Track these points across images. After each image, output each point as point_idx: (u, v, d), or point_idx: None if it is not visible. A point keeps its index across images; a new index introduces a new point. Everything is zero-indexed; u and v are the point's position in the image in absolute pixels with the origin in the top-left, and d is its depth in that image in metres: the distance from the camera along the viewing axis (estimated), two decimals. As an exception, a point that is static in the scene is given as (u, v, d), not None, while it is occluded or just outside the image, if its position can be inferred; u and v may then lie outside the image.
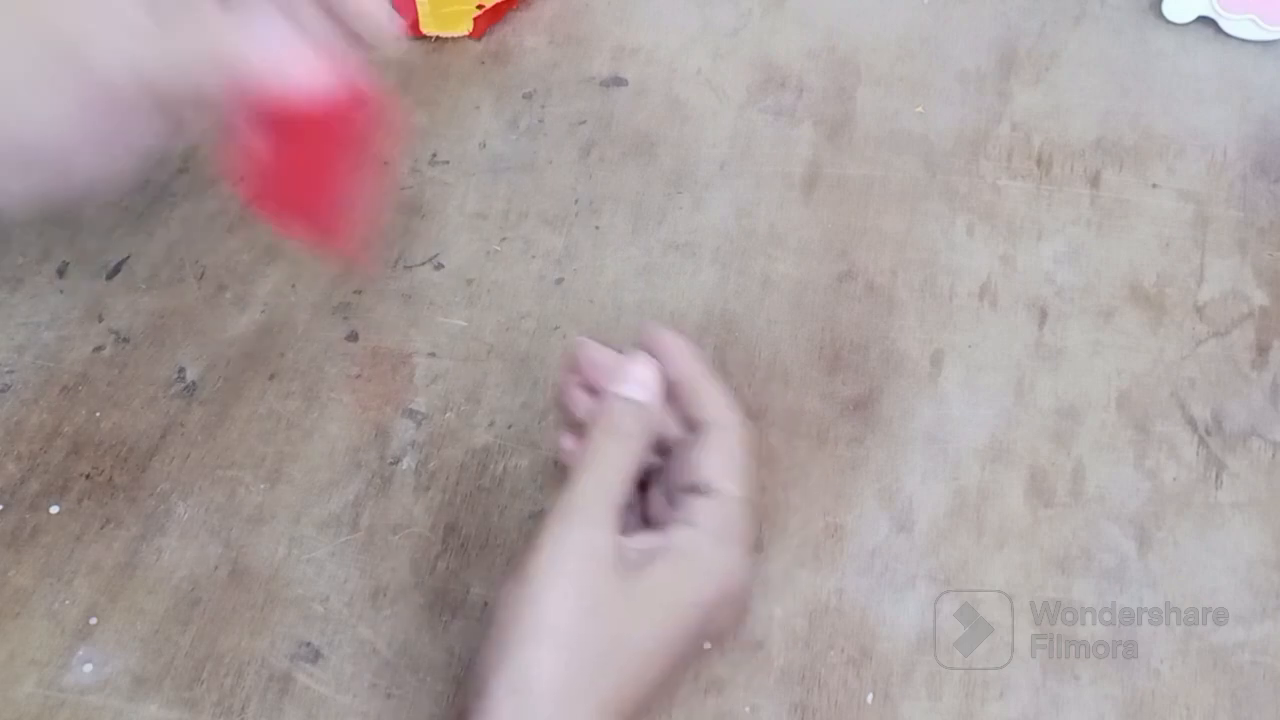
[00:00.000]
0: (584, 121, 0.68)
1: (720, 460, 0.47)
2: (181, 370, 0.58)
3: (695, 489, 0.46)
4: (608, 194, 0.65)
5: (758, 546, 0.53)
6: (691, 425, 0.48)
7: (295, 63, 0.44)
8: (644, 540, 0.45)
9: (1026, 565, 0.53)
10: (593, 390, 0.48)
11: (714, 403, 0.48)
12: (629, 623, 0.43)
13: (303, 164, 0.46)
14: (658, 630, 0.43)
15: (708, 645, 0.51)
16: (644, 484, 0.49)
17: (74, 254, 0.62)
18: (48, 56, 0.41)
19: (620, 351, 0.48)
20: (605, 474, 0.45)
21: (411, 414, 0.57)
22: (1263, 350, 0.59)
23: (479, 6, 0.70)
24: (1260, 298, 0.61)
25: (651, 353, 0.48)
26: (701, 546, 0.45)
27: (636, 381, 0.47)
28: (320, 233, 0.50)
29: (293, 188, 0.47)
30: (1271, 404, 0.57)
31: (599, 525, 0.43)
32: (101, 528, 0.54)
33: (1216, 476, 0.55)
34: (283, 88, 0.44)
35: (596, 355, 0.48)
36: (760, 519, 0.48)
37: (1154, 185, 0.65)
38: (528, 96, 0.69)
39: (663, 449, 0.49)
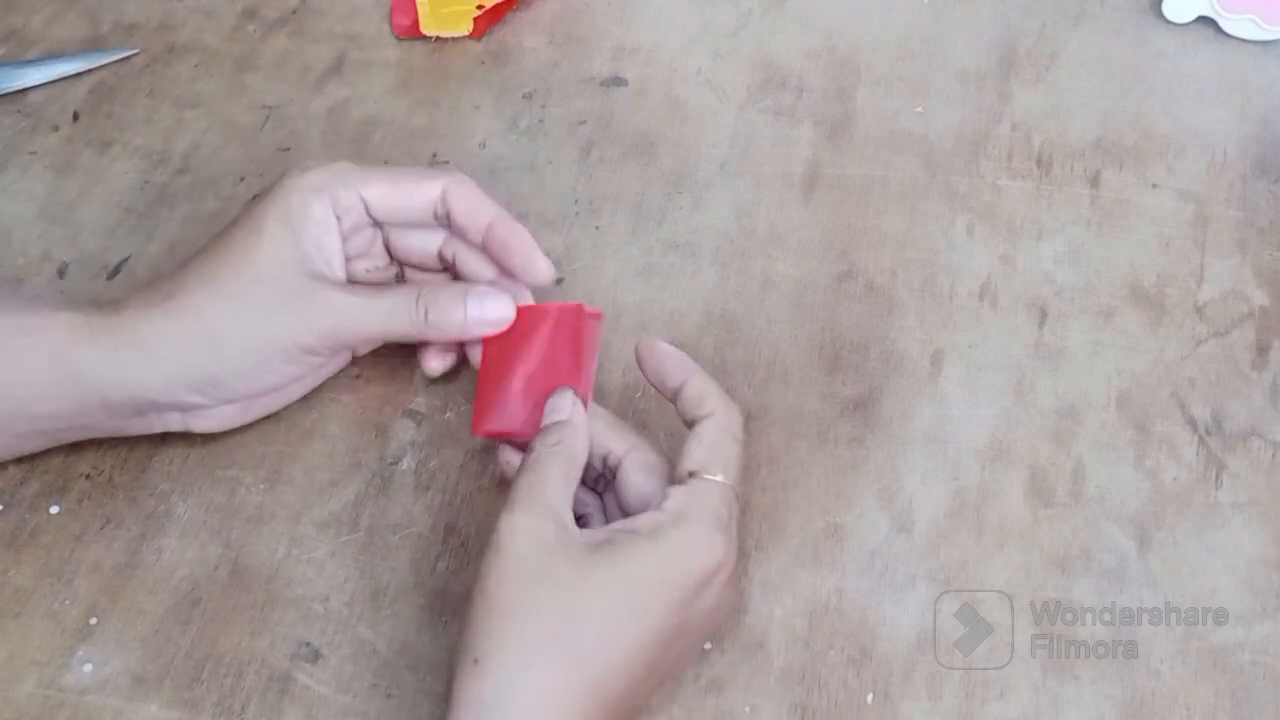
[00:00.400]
0: (584, 121, 0.68)
1: (704, 449, 0.49)
2: (181, 370, 0.58)
3: (681, 479, 0.48)
4: (608, 194, 0.65)
5: (757, 546, 0.53)
6: (689, 421, 0.50)
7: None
8: (607, 529, 0.47)
9: (1026, 565, 0.53)
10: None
11: (709, 397, 0.50)
12: (588, 597, 0.44)
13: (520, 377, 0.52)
14: (622, 602, 0.45)
15: (708, 645, 0.51)
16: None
17: (74, 254, 0.62)
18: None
19: None
20: (537, 474, 0.48)
21: (411, 414, 0.57)
22: (1263, 350, 0.59)
23: (479, 6, 0.70)
24: (1260, 298, 0.61)
25: (645, 362, 0.52)
26: (664, 526, 0.46)
27: (551, 409, 0.50)
28: (483, 408, 0.53)
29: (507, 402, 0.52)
30: (1271, 404, 0.57)
31: (533, 513, 0.46)
32: (101, 528, 0.54)
33: (1216, 476, 0.55)
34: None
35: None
36: (737, 504, 0.49)
37: (1154, 185, 0.65)
38: (528, 96, 0.69)
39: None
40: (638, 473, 0.50)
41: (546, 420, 0.50)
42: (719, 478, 0.48)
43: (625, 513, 0.50)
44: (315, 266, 0.51)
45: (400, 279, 0.57)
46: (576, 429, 0.50)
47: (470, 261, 0.55)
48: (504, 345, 0.53)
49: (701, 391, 0.50)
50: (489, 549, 0.45)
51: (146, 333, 0.50)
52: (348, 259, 0.54)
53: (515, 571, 0.45)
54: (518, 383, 0.52)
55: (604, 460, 0.51)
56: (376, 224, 0.55)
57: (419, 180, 0.54)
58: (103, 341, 0.50)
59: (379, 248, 0.56)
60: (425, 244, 0.55)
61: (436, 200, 0.54)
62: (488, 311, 0.52)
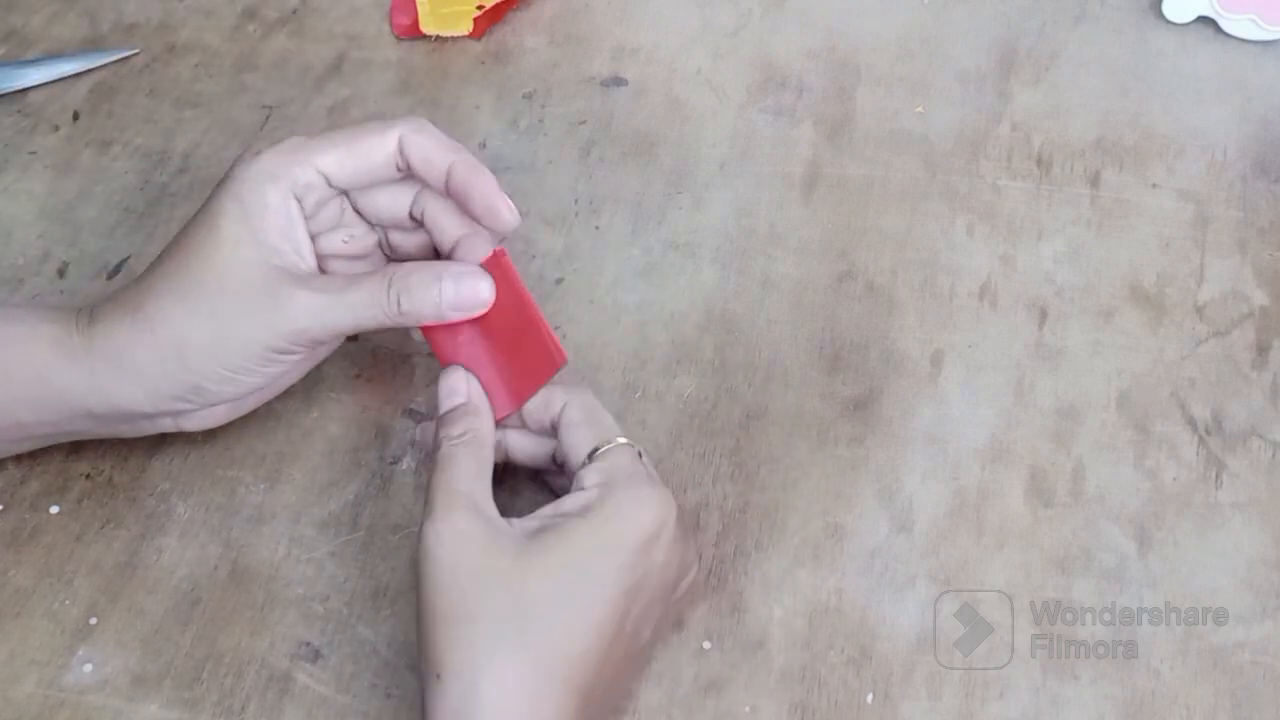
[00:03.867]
0: (584, 121, 0.68)
1: (584, 428, 0.49)
2: (181, 370, 0.58)
3: (584, 464, 0.48)
4: (608, 194, 0.65)
5: (757, 546, 0.53)
6: (548, 431, 0.51)
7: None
8: (536, 516, 0.47)
9: (1026, 565, 0.53)
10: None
11: (551, 392, 0.50)
12: (530, 587, 0.44)
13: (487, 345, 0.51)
14: (569, 588, 0.44)
15: (708, 645, 0.51)
16: None
17: (74, 254, 0.62)
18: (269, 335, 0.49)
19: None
20: (449, 474, 0.47)
21: (411, 414, 0.57)
22: (1263, 350, 0.59)
23: (479, 6, 0.70)
24: (1260, 298, 0.61)
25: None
26: (591, 501, 0.46)
27: (447, 393, 0.50)
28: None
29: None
30: (1271, 404, 0.57)
31: (450, 513, 0.45)
32: (101, 528, 0.54)
33: (1216, 476, 0.55)
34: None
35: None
36: (648, 458, 0.49)
37: (1154, 185, 0.65)
38: (528, 96, 0.69)
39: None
40: (576, 424, 0.49)
41: (443, 405, 0.49)
42: (618, 441, 0.48)
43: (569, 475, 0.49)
44: (281, 259, 0.49)
45: (385, 243, 0.54)
46: (478, 411, 0.49)
47: (440, 216, 0.52)
48: (453, 330, 0.51)
49: (541, 398, 0.50)
50: (420, 561, 0.45)
51: (119, 349, 0.49)
52: (320, 235, 0.52)
53: (451, 578, 0.44)
54: (494, 355, 0.50)
55: (552, 424, 0.50)
56: (342, 193, 0.52)
57: (373, 135, 0.51)
58: (81, 361, 0.49)
59: (351, 215, 0.53)
60: (395, 204, 0.52)
61: (394, 153, 0.51)
62: (464, 294, 0.50)
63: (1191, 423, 0.57)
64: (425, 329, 0.51)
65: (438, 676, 0.43)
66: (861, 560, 0.53)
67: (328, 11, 0.73)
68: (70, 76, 0.69)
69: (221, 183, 0.50)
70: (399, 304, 0.49)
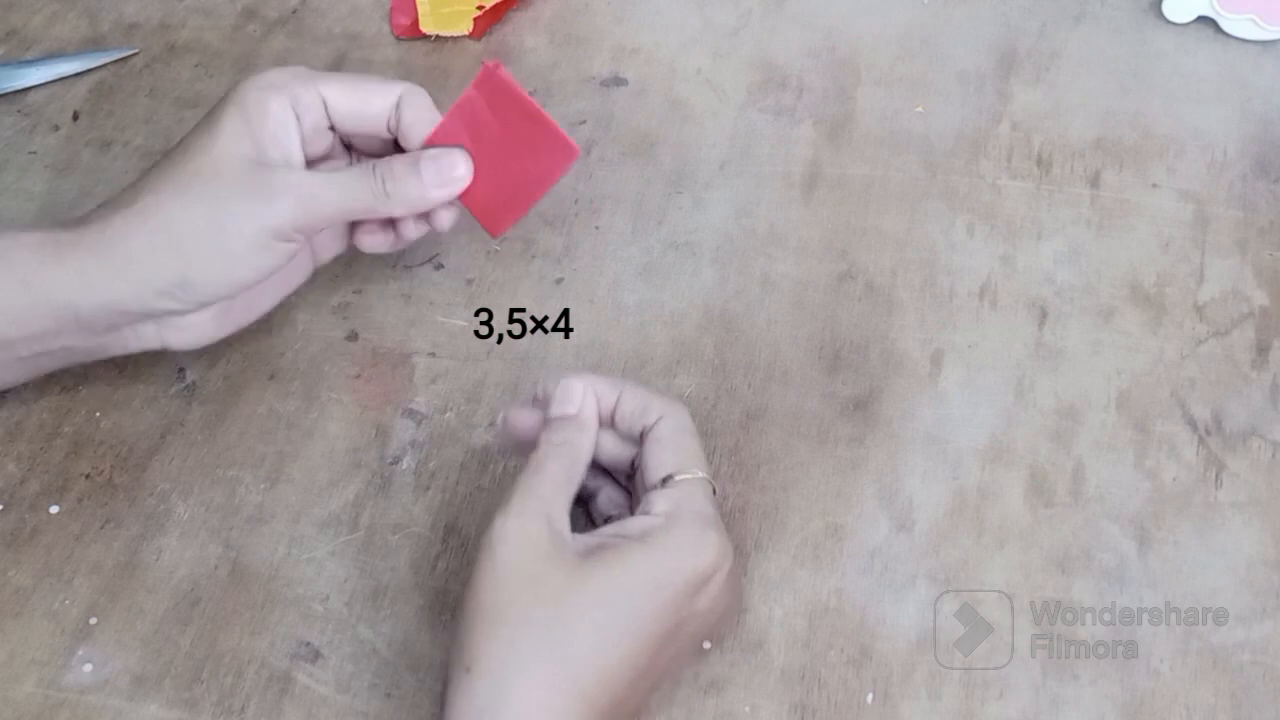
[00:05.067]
0: (584, 121, 0.68)
1: (670, 451, 0.48)
2: (181, 370, 0.58)
3: (657, 485, 0.48)
4: (608, 194, 0.65)
5: (757, 546, 0.53)
6: (636, 437, 0.50)
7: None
8: (602, 530, 0.47)
9: (1026, 565, 0.53)
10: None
11: (651, 402, 0.49)
12: (581, 604, 0.44)
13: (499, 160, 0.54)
14: (616, 608, 0.44)
15: (708, 645, 0.51)
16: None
17: (74, 254, 0.62)
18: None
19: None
20: (536, 478, 0.47)
21: (411, 414, 0.57)
22: (1263, 350, 0.59)
23: (479, 7, 0.70)
24: (1260, 298, 0.61)
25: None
26: (655, 530, 0.46)
27: (562, 397, 0.49)
28: (487, 213, 0.55)
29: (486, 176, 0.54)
30: (1271, 404, 0.57)
31: (530, 516, 0.45)
32: (101, 528, 0.54)
33: (1216, 476, 0.55)
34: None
35: (525, 415, 0.51)
36: (715, 499, 0.49)
37: (1154, 185, 0.65)
38: (528, 96, 0.69)
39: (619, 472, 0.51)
40: (662, 442, 0.49)
41: (555, 410, 0.49)
42: (696, 474, 0.48)
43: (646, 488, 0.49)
44: (272, 158, 0.51)
45: None
46: (584, 425, 0.49)
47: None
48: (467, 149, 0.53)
49: (640, 401, 0.49)
50: (481, 552, 0.45)
51: (111, 240, 0.50)
52: (310, 160, 0.53)
53: (506, 577, 0.44)
54: (503, 168, 0.53)
55: (641, 432, 0.49)
56: (334, 130, 0.54)
57: (377, 84, 0.54)
58: (68, 256, 0.49)
59: (340, 150, 0.56)
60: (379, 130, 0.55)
61: (392, 107, 0.53)
62: (443, 171, 0.53)
63: (1191, 423, 0.57)
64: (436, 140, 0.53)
65: (468, 670, 0.43)
66: (861, 560, 0.53)
67: (328, 11, 0.73)
68: (70, 76, 0.69)
69: (227, 93, 0.52)
70: (384, 185, 0.52)
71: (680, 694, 0.50)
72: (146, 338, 0.53)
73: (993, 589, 0.52)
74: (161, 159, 0.52)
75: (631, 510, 0.50)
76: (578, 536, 0.46)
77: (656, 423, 0.49)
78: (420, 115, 0.53)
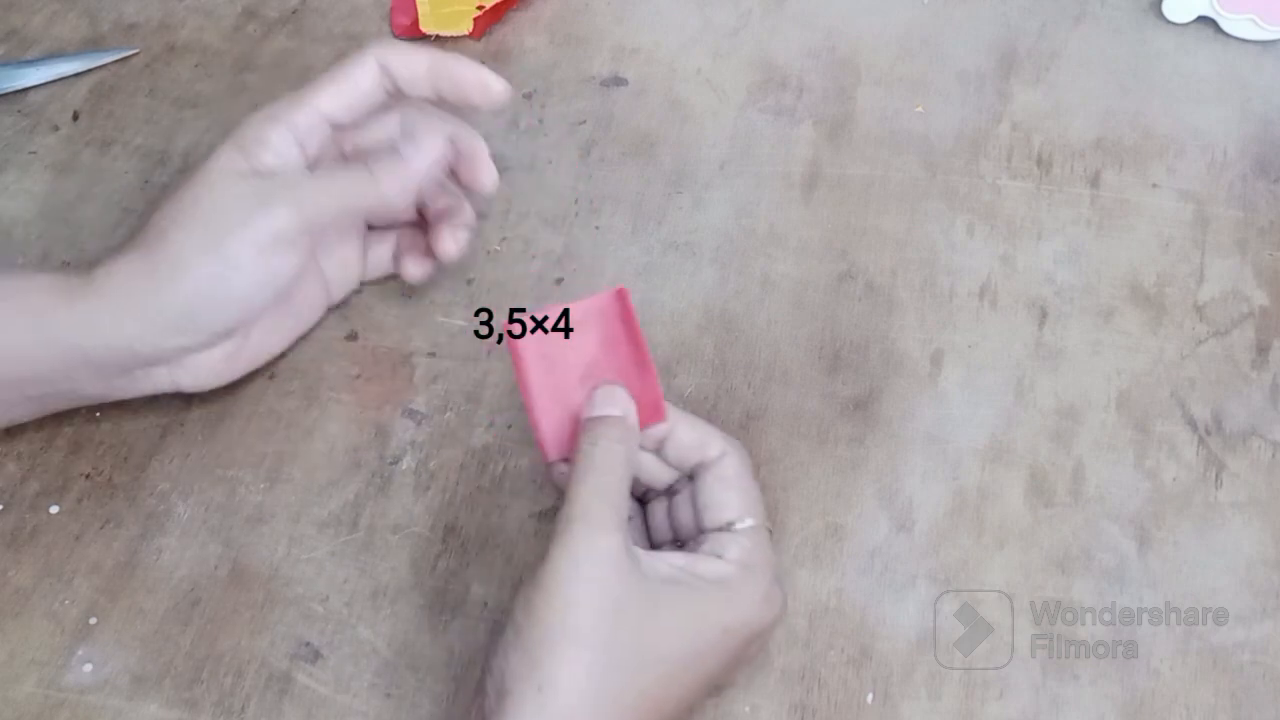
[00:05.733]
0: (584, 121, 0.68)
1: (737, 494, 0.47)
2: (181, 370, 0.58)
3: (722, 528, 0.47)
4: (608, 194, 0.65)
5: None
6: (688, 469, 0.49)
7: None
8: (668, 558, 0.45)
9: (1026, 565, 0.53)
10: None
11: (711, 437, 0.48)
12: (656, 633, 0.43)
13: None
14: (687, 648, 0.44)
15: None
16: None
17: (74, 254, 0.62)
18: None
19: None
20: (600, 479, 0.45)
21: (411, 414, 0.57)
22: (1263, 350, 0.59)
23: (479, 7, 0.70)
24: (1260, 298, 0.61)
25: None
26: (731, 578, 0.45)
27: (605, 399, 0.48)
28: (552, 433, 0.49)
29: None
30: (1271, 404, 0.57)
31: (606, 528, 0.44)
32: (101, 528, 0.54)
33: (1216, 476, 0.55)
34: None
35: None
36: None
37: (1154, 185, 0.65)
38: (528, 96, 0.69)
39: (645, 494, 0.51)
40: (727, 483, 0.47)
41: (598, 411, 0.47)
42: (763, 522, 0.47)
43: (683, 524, 0.48)
44: (269, 162, 0.51)
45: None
46: (631, 430, 0.47)
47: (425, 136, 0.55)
48: (549, 352, 0.48)
49: (700, 434, 0.48)
50: (551, 563, 0.42)
51: (117, 280, 0.50)
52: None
53: (590, 595, 0.42)
54: (579, 391, 0.48)
55: (698, 466, 0.48)
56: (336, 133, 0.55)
57: (353, 65, 0.53)
58: (78, 300, 0.49)
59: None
60: (384, 132, 0.56)
61: (378, 74, 0.53)
62: (421, 146, 0.53)
63: (1191, 423, 0.57)
64: (519, 354, 0.48)
65: (539, 689, 0.41)
66: (861, 560, 0.53)
67: (328, 11, 0.73)
68: (70, 76, 0.69)
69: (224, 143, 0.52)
70: (371, 169, 0.52)
71: (680, 694, 0.50)
72: (158, 380, 0.53)
73: (993, 589, 0.52)
74: (164, 199, 0.52)
75: (646, 523, 0.50)
76: (646, 559, 0.44)
77: (719, 460, 0.48)
78: (403, 56, 0.53)
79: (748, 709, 0.50)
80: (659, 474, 0.50)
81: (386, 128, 0.56)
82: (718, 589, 0.45)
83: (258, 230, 0.50)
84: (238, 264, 0.50)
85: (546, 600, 0.42)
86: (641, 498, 0.51)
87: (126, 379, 0.52)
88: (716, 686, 0.48)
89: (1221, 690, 0.50)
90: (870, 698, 0.50)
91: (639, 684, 0.43)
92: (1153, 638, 0.51)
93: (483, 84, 0.53)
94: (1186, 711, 0.50)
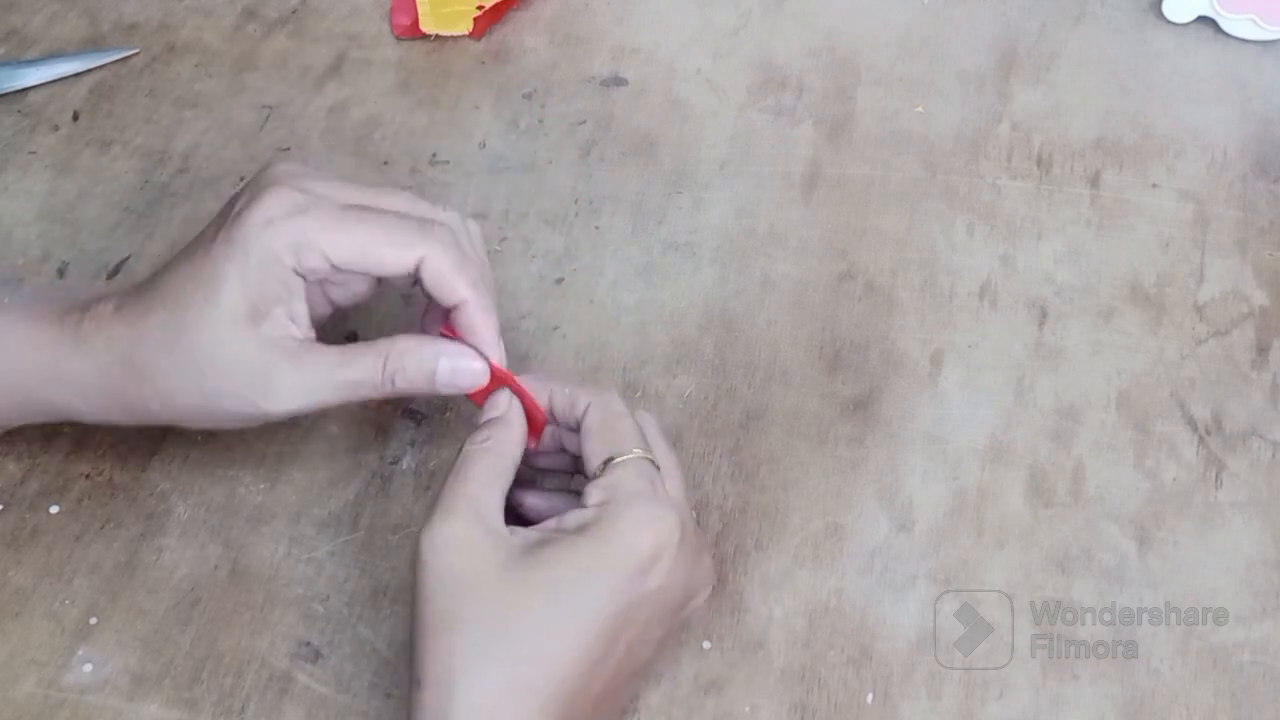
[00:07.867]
0: (584, 121, 0.68)
1: (599, 437, 0.48)
2: (181, 370, 0.58)
3: (596, 474, 0.47)
4: (608, 194, 0.65)
5: (757, 546, 0.53)
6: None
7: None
8: (538, 529, 0.46)
9: (1026, 565, 0.53)
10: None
11: (577, 393, 0.49)
12: (519, 600, 0.43)
13: None
14: (558, 605, 0.44)
15: (708, 644, 0.51)
16: None
17: (74, 254, 0.62)
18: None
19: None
20: (462, 475, 0.46)
21: (411, 414, 0.57)
22: (1263, 350, 0.59)
23: (479, 7, 0.70)
24: (1260, 298, 0.61)
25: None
26: (591, 519, 0.45)
27: (489, 408, 0.49)
28: None
29: None
30: (1271, 404, 0.57)
31: (457, 517, 0.45)
32: (101, 528, 0.54)
33: (1216, 476, 0.55)
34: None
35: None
36: (658, 472, 0.48)
37: (1154, 185, 0.65)
38: (528, 96, 0.69)
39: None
40: (592, 431, 0.48)
41: (482, 418, 0.49)
42: (632, 454, 0.47)
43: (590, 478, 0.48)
44: (277, 330, 0.48)
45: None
46: (510, 425, 0.48)
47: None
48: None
49: (568, 394, 0.49)
50: (415, 566, 0.44)
51: (111, 386, 0.49)
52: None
53: (443, 584, 0.44)
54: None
55: (576, 423, 0.49)
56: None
57: (394, 249, 0.48)
58: (68, 381, 0.49)
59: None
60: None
61: (410, 272, 0.49)
62: (460, 378, 0.50)
63: (1191, 423, 0.57)
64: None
65: (418, 684, 0.43)
66: (861, 560, 0.53)
67: (328, 11, 0.73)
68: (70, 76, 0.69)
69: (229, 238, 0.47)
70: (393, 382, 0.49)
71: (680, 694, 0.50)
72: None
73: (993, 589, 0.52)
74: (159, 299, 0.48)
75: None
76: (517, 531, 0.45)
77: (585, 412, 0.49)
78: (441, 284, 0.49)
79: (748, 709, 0.50)
80: (557, 458, 0.51)
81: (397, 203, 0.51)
82: (578, 535, 0.45)
83: (255, 415, 0.49)
84: (230, 426, 0.51)
85: (414, 601, 0.44)
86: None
87: (130, 418, 0.51)
88: (651, 636, 0.46)
89: (1221, 690, 0.50)
90: (870, 698, 0.50)
91: (515, 651, 0.43)
92: (1153, 638, 0.51)
93: (485, 344, 0.50)
94: (1186, 711, 0.50)
